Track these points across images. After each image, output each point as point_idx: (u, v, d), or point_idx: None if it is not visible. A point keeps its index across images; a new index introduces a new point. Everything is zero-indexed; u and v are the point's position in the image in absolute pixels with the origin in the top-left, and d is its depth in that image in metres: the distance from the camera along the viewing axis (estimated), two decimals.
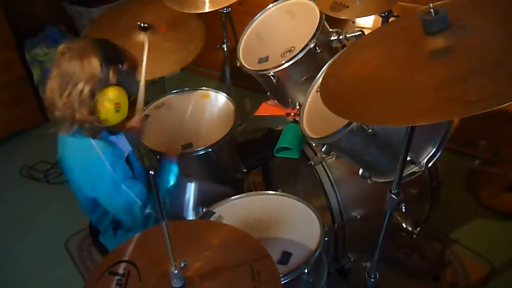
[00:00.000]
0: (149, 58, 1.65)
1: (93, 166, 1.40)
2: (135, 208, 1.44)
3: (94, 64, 1.32)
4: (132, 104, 1.46)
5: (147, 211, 1.45)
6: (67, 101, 1.33)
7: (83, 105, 1.33)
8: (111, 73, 1.33)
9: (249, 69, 1.86)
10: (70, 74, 1.32)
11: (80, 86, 1.31)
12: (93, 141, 1.39)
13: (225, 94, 2.22)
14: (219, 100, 2.21)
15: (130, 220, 1.47)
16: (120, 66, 1.35)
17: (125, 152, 1.47)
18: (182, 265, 0.96)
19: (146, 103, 2.24)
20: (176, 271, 0.95)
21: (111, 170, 1.38)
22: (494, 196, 2.32)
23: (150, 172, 0.84)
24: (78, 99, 1.32)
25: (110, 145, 1.41)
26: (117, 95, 1.34)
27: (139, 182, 1.46)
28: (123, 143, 1.50)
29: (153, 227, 1.13)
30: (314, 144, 1.76)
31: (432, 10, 1.02)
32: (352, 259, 1.82)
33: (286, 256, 1.34)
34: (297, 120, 1.81)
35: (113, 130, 1.45)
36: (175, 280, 0.96)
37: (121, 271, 1.02)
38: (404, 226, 1.83)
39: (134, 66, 1.43)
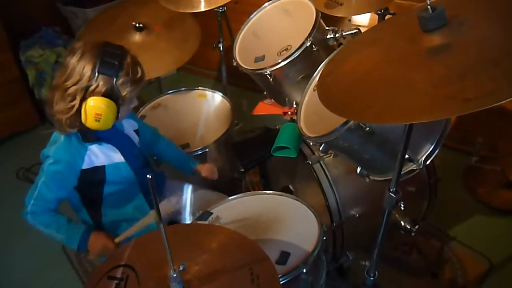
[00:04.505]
0: (144, 58, 1.62)
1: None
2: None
3: (86, 69, 1.33)
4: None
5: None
6: (54, 87, 1.37)
7: (63, 100, 1.35)
8: (101, 83, 1.33)
9: (245, 68, 1.85)
10: (66, 67, 1.35)
11: (68, 83, 1.34)
12: (63, 140, 1.42)
13: (222, 94, 2.22)
14: (215, 99, 2.21)
15: None
16: (114, 79, 1.34)
17: (97, 162, 1.46)
18: (181, 268, 0.95)
19: (142, 103, 2.24)
20: (175, 275, 0.94)
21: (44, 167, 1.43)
22: (492, 193, 2.32)
23: (148, 176, 0.82)
24: (62, 93, 1.35)
25: (70, 149, 1.42)
26: (100, 106, 1.33)
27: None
28: (108, 152, 1.48)
29: (153, 231, 1.11)
30: (311, 143, 1.75)
31: (429, 7, 1.01)
32: (350, 258, 1.82)
33: (284, 256, 1.34)
34: (294, 119, 1.80)
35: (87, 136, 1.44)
36: (174, 283, 0.95)
37: (119, 275, 1.02)
38: (403, 224, 1.83)
39: (135, 83, 1.39)
